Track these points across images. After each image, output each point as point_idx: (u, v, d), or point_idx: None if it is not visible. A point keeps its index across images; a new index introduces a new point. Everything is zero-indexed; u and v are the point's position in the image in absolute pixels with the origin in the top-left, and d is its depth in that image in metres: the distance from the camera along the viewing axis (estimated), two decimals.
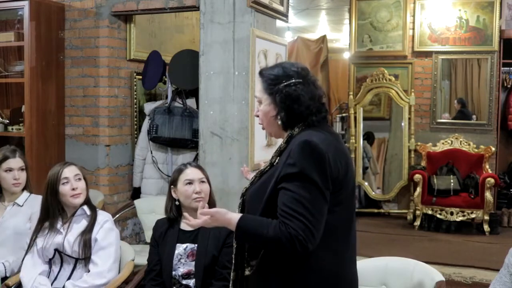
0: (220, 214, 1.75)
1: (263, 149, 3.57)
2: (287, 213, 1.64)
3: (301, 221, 1.62)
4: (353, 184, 1.82)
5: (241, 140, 3.46)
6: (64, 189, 2.63)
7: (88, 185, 2.76)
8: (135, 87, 4.47)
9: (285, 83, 1.77)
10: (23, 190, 3.09)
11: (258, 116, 1.88)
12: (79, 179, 2.69)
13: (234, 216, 1.73)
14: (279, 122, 1.80)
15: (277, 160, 1.80)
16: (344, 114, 7.79)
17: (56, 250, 2.63)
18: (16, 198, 3.05)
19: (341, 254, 1.77)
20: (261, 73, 1.87)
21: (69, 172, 2.66)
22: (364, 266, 2.33)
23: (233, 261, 1.89)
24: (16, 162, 3.03)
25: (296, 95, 1.76)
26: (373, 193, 6.19)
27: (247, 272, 1.84)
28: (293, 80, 1.77)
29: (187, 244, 2.59)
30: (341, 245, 1.77)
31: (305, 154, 1.67)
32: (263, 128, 1.90)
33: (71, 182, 2.64)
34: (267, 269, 1.78)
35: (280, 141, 1.86)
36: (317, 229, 1.64)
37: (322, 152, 1.67)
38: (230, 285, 1.91)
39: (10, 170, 3.01)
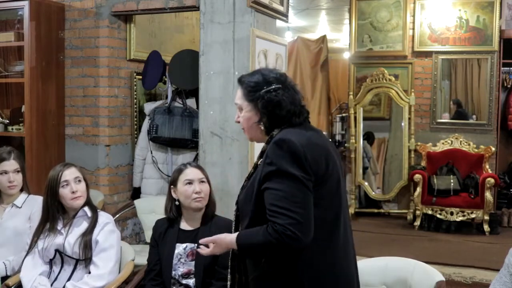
0: (220, 239, 1.84)
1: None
2: (274, 211, 1.67)
3: (287, 216, 1.65)
4: (338, 178, 1.81)
5: (241, 140, 3.46)
6: (64, 192, 2.62)
7: (88, 187, 2.76)
8: (135, 87, 4.47)
9: (266, 89, 1.82)
10: (21, 191, 3.09)
11: (239, 122, 1.94)
12: (79, 181, 2.68)
13: (233, 236, 1.79)
14: (262, 127, 1.85)
15: (259, 162, 1.85)
16: (344, 114, 7.79)
17: (56, 250, 2.63)
18: (14, 199, 3.05)
19: (331, 249, 1.78)
20: (240, 80, 1.91)
21: (69, 174, 2.65)
22: (364, 266, 2.32)
23: (229, 265, 1.93)
24: (10, 164, 3.02)
25: (278, 101, 1.81)
26: (373, 193, 6.19)
27: (251, 277, 1.86)
28: (274, 86, 1.82)
29: (187, 243, 2.59)
30: (329, 239, 1.77)
31: (280, 151, 1.72)
32: (245, 133, 1.96)
33: (71, 185, 2.63)
34: (267, 271, 1.79)
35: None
36: (306, 220, 1.67)
37: (296, 146, 1.71)
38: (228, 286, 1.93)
39: (5, 172, 3.01)
